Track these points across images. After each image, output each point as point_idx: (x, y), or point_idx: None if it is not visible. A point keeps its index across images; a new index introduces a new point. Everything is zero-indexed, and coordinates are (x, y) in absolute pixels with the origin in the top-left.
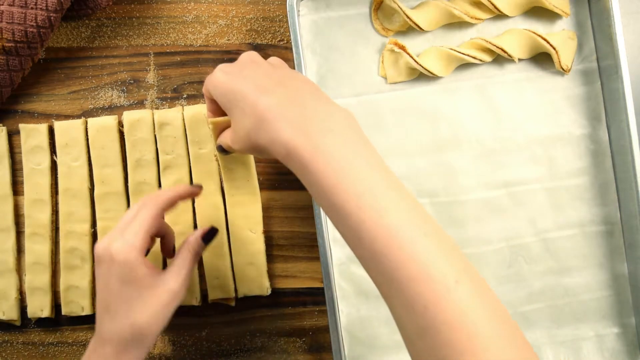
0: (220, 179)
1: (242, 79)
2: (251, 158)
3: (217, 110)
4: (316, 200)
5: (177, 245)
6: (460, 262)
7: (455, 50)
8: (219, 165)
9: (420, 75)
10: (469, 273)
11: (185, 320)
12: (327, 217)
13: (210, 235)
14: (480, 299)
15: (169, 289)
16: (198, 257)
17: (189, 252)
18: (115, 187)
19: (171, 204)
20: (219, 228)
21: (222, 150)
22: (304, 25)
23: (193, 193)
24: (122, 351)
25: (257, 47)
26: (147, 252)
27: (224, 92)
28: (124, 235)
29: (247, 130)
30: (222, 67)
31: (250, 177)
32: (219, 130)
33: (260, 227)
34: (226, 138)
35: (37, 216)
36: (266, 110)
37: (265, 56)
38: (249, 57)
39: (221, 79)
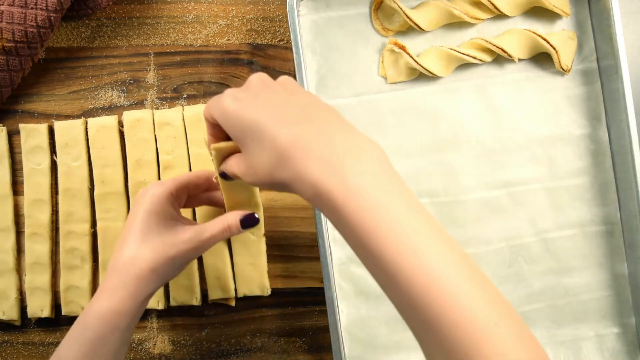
0: None
1: (257, 108)
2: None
3: (219, 134)
4: (347, 241)
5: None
6: (500, 302)
7: (455, 50)
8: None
9: (420, 75)
10: (508, 313)
11: (185, 320)
12: (359, 257)
13: (250, 222)
14: (520, 340)
15: (186, 239)
16: (228, 235)
17: (223, 225)
18: (115, 187)
19: (202, 184)
20: None
21: (225, 176)
22: (304, 25)
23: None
24: (125, 283)
25: (257, 47)
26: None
27: (236, 123)
28: (163, 182)
29: (266, 166)
30: (231, 93)
31: (253, 196)
32: (223, 156)
33: (261, 231)
34: (233, 167)
35: (37, 216)
36: (290, 145)
37: (266, 56)
38: (260, 81)
39: (232, 106)
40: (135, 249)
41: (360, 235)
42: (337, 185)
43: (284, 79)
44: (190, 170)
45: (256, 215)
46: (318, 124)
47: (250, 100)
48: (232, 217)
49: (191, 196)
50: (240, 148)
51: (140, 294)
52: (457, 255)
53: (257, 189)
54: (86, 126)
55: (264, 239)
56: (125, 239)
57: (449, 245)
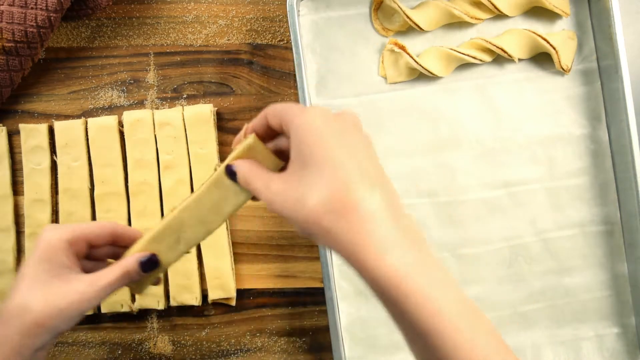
0: None
1: (342, 145)
2: (245, 201)
3: (264, 133)
4: (397, 324)
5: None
6: None
7: (455, 50)
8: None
9: (420, 75)
10: None
11: (185, 320)
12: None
13: (151, 266)
14: None
15: (78, 289)
16: (128, 281)
17: (121, 271)
18: (115, 187)
19: (105, 237)
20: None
21: (231, 174)
22: (304, 25)
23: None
24: (7, 337)
25: (257, 47)
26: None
27: (313, 142)
28: (59, 227)
29: (315, 201)
30: (321, 112)
31: (229, 208)
32: (250, 154)
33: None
34: (256, 179)
35: (37, 216)
36: (364, 207)
37: (266, 56)
38: (353, 121)
39: (318, 124)
40: (23, 298)
41: (435, 346)
42: (417, 284)
43: (356, 118)
44: (190, 170)
45: (157, 257)
46: (395, 197)
47: (337, 131)
48: (131, 262)
49: (94, 247)
50: (282, 165)
51: (26, 349)
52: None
53: (242, 203)
54: (86, 126)
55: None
56: (16, 285)
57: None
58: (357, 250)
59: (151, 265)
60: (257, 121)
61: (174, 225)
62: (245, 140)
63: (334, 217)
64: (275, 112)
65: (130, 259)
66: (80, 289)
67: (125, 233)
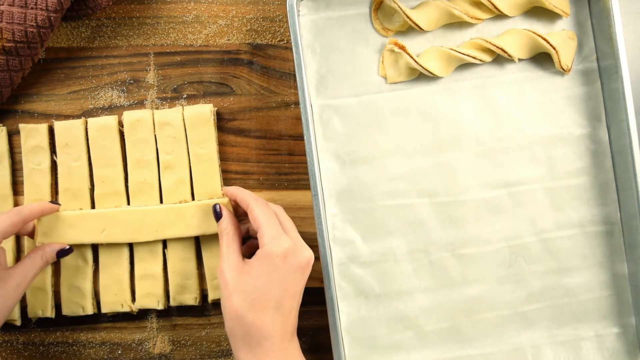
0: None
1: (268, 280)
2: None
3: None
4: None
5: None
6: None
7: (455, 50)
8: (219, 165)
9: (420, 75)
10: None
11: (185, 320)
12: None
13: (65, 253)
14: None
15: (15, 285)
16: (46, 266)
17: (41, 259)
18: (115, 187)
19: (33, 218)
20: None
21: (217, 215)
22: (304, 25)
23: (53, 209)
24: None
25: (257, 47)
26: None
27: (259, 273)
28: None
29: (236, 305)
30: (276, 234)
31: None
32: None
33: None
34: (231, 242)
35: None
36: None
37: (266, 56)
38: (298, 265)
39: (275, 262)
40: None
41: None
42: None
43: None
44: (190, 170)
45: (71, 247)
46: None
47: (274, 271)
48: (50, 250)
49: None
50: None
51: None
52: None
53: (192, 235)
54: (86, 126)
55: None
56: None
57: None
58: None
59: (66, 253)
60: (234, 206)
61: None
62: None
63: (243, 322)
64: (251, 212)
65: (50, 250)
66: (16, 284)
67: (33, 213)
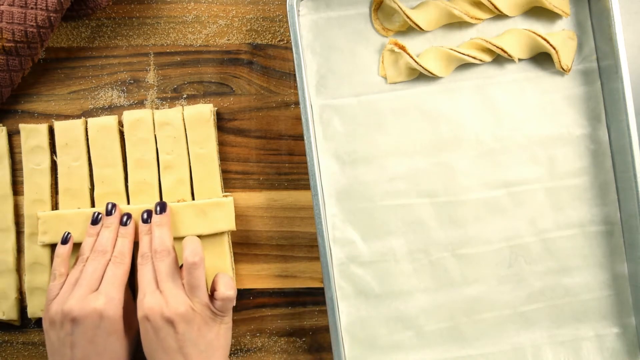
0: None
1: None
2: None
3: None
4: None
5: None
6: None
7: (455, 50)
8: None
9: (420, 75)
10: None
11: None
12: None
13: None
14: None
15: (136, 326)
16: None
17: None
18: (115, 187)
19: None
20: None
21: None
22: (304, 25)
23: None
24: None
25: (257, 47)
26: None
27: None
28: (106, 293)
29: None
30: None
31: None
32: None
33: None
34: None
35: (37, 216)
36: None
37: (266, 56)
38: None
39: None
40: None
41: None
42: None
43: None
44: (190, 170)
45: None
46: None
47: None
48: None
49: None
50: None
51: None
52: None
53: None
54: (86, 126)
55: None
56: None
57: None
58: None
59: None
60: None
61: None
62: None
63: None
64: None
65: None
66: (136, 325)
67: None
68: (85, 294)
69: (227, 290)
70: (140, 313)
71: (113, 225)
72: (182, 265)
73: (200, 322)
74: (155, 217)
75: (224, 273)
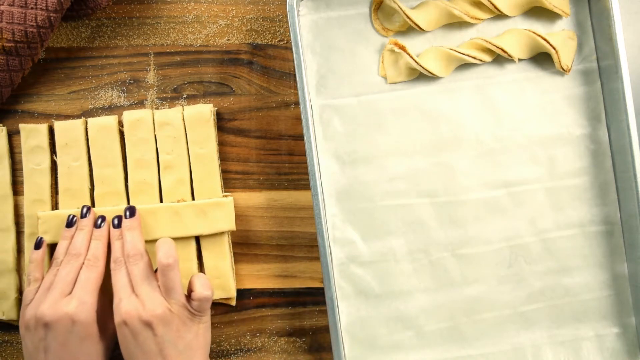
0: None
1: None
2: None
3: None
4: None
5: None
6: None
7: (455, 51)
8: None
9: (420, 75)
10: None
11: None
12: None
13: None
14: None
15: (112, 330)
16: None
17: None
18: (115, 187)
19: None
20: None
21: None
22: (304, 25)
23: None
24: None
25: (257, 47)
26: None
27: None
28: (79, 297)
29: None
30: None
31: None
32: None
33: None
34: (149, 271)
35: (37, 216)
36: None
37: (266, 56)
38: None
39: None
40: None
41: None
42: None
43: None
44: (190, 170)
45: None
46: None
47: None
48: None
49: None
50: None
51: None
52: None
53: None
54: (86, 126)
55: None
56: None
57: None
58: None
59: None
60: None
61: None
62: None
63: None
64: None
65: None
66: (113, 329)
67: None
68: (58, 299)
69: (204, 290)
70: (117, 318)
71: (87, 228)
72: (157, 270)
73: (179, 323)
74: (125, 222)
75: (201, 274)
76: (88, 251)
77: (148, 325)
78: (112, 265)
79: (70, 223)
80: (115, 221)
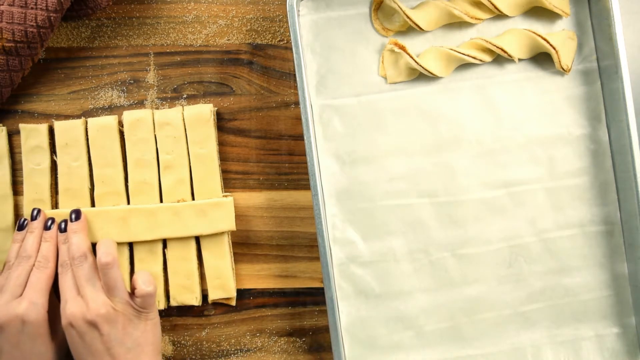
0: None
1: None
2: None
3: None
4: None
5: None
6: None
7: (455, 51)
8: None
9: (420, 75)
10: None
11: (185, 320)
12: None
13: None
14: None
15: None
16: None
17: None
18: (115, 187)
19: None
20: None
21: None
22: (304, 25)
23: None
24: None
25: (257, 47)
26: None
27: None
28: (29, 298)
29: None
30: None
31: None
32: None
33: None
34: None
35: None
36: None
37: (266, 56)
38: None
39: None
40: None
41: None
42: None
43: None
44: (190, 170)
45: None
46: None
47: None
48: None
49: None
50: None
51: None
52: None
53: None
54: (86, 126)
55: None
56: None
57: None
58: None
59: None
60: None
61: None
62: None
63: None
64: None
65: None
66: (62, 331)
67: None
68: (9, 300)
69: (146, 286)
70: (64, 321)
71: (37, 231)
72: None
73: (125, 321)
74: (70, 225)
75: (143, 270)
76: (38, 253)
77: (93, 325)
78: (59, 269)
79: (21, 226)
80: (62, 225)
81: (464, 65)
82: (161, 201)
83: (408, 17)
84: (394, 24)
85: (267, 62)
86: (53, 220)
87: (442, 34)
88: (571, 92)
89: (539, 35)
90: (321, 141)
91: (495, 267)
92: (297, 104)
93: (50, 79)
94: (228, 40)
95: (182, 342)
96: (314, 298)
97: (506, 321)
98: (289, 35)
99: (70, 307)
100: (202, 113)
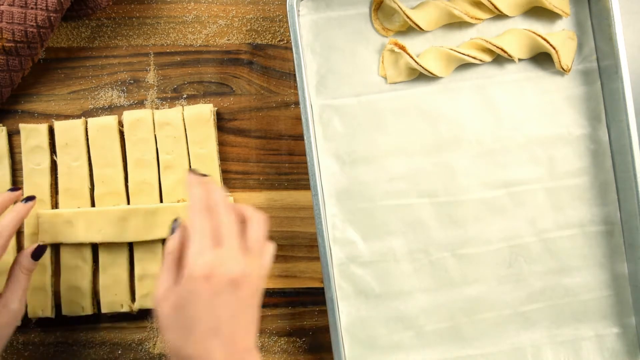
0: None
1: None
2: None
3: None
4: None
5: None
6: None
7: (455, 51)
8: (219, 165)
9: (420, 75)
10: None
11: None
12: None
13: (39, 252)
14: None
15: (10, 309)
16: (31, 274)
17: (21, 272)
18: (115, 187)
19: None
20: None
21: (171, 231)
22: (304, 25)
23: (14, 198)
24: None
25: (257, 47)
26: None
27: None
28: None
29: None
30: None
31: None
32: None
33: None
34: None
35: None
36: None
37: (266, 56)
38: (229, 281)
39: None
40: None
41: None
42: None
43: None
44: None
45: (43, 244)
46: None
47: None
48: (24, 258)
49: None
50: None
51: None
52: None
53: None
54: (86, 126)
55: None
56: None
57: None
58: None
59: (41, 252)
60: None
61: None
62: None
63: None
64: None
65: (23, 259)
66: (9, 309)
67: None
68: None
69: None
70: (198, 271)
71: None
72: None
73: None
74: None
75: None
76: None
77: (229, 287)
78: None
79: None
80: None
81: (464, 65)
82: (161, 201)
83: (408, 17)
84: (394, 24)
85: (267, 62)
86: (31, 198)
87: (442, 34)
88: (571, 92)
89: (539, 35)
90: (321, 141)
91: (495, 267)
92: (297, 104)
93: (50, 79)
94: (228, 40)
95: None
96: (314, 298)
97: (506, 321)
98: (289, 35)
99: (209, 259)
100: (202, 113)
